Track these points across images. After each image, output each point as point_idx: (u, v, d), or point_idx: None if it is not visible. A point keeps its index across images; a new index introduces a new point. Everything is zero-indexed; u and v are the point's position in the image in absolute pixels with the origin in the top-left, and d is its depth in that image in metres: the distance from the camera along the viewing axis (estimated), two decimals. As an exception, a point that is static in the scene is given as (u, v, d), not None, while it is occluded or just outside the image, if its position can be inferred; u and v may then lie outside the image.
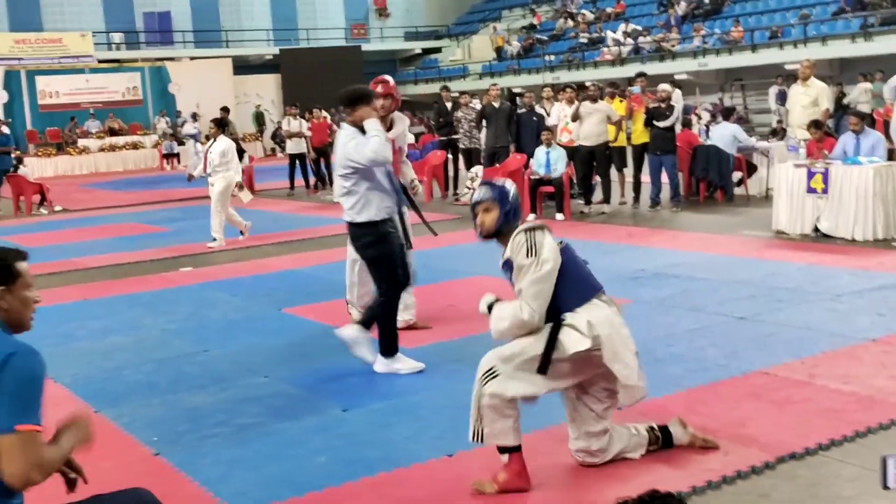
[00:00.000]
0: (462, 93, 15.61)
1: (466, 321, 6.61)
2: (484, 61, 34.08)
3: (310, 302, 8.07)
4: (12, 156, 17.89)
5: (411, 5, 40.42)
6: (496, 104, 14.08)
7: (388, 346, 5.81)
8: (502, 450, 3.94)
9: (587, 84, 13.85)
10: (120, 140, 29.34)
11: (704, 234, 10.38)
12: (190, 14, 35.76)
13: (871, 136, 10.19)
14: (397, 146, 6.61)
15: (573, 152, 12.54)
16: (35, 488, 2.70)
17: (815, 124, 10.90)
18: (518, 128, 13.79)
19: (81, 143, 28.81)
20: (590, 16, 32.54)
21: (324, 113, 18.75)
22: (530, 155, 12.81)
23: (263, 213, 15.23)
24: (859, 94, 20.26)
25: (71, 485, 2.72)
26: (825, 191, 9.62)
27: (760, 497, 3.78)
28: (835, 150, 10.27)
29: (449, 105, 15.82)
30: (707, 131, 15.61)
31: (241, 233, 11.91)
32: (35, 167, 24.15)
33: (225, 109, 19.37)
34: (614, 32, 29.29)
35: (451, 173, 15.83)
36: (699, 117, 19.71)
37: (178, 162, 27.18)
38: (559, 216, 12.03)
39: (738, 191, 13.14)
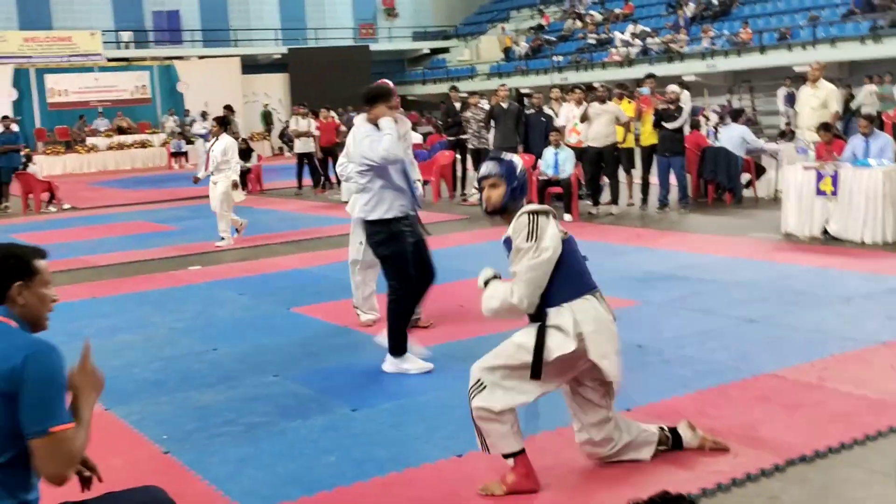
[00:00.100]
0: (472, 93, 15.61)
1: (475, 321, 6.58)
2: (492, 62, 34.08)
3: (318, 301, 8.08)
4: (21, 154, 17.94)
5: (419, 5, 40.44)
6: (504, 105, 14.08)
7: (397, 346, 5.81)
8: (506, 454, 3.92)
9: (596, 85, 13.84)
10: (128, 138, 29.42)
11: (713, 236, 10.36)
12: (199, 13, 35.87)
13: (881, 138, 10.17)
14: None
15: (581, 153, 12.53)
16: (50, 487, 2.71)
17: (824, 126, 10.88)
18: (526, 128, 13.80)
19: (90, 141, 28.90)
20: (598, 17, 32.52)
21: (332, 113, 18.77)
22: (538, 156, 12.81)
23: (271, 212, 15.27)
24: (865, 97, 20.21)
25: (85, 483, 2.73)
26: (834, 193, 9.60)
27: (770, 500, 3.77)
28: (844, 153, 10.25)
29: (457, 105, 15.83)
30: (715, 133, 15.58)
31: (237, 230, 11.84)
32: (44, 165, 24.15)
33: (228, 108, 19.39)
34: (622, 33, 29.26)
35: (458, 173, 15.83)
36: (707, 119, 19.69)
37: (187, 160, 27.24)
38: (567, 217, 12.02)
39: (746, 193, 13.12)
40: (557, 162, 12.24)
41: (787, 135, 15.62)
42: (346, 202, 8.06)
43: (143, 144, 29.38)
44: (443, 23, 40.60)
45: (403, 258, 5.79)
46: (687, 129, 12.92)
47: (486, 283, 3.97)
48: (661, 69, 24.30)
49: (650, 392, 5.08)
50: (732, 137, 12.95)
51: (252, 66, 33.62)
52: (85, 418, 2.63)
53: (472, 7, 41.55)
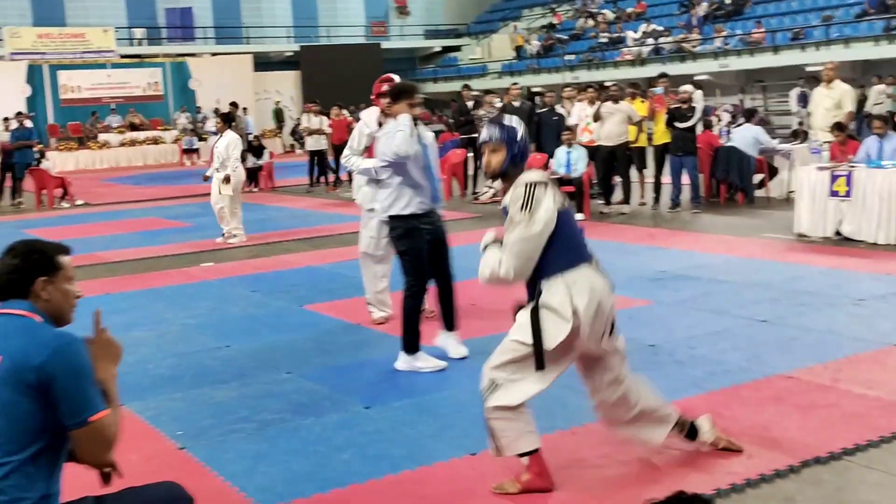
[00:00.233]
0: (486, 91, 15.61)
1: (488, 319, 6.61)
2: (503, 60, 34.06)
3: (330, 299, 8.10)
4: (35, 150, 18.03)
5: (431, 3, 40.44)
6: (516, 103, 14.09)
7: (410, 343, 5.82)
8: (522, 454, 3.92)
9: (609, 84, 13.83)
10: (140, 135, 29.52)
11: (725, 236, 10.34)
12: (211, 10, 35.96)
13: (895, 139, 10.13)
14: None
15: (594, 152, 12.53)
16: (71, 481, 2.75)
17: (838, 127, 10.85)
18: (539, 127, 13.80)
19: (102, 137, 29.01)
20: (610, 15, 32.46)
21: (344, 111, 18.80)
22: (551, 154, 12.81)
23: (283, 209, 15.31)
24: (876, 97, 20.12)
25: (106, 478, 2.75)
26: (848, 194, 9.57)
27: (785, 501, 3.77)
28: (858, 154, 10.22)
29: (470, 104, 15.83)
30: (728, 133, 15.55)
31: (223, 236, 11.63)
32: (57, 161, 24.33)
33: (234, 105, 19.44)
34: (635, 32, 29.20)
35: (470, 172, 15.83)
36: (719, 118, 19.64)
37: (199, 157, 27.32)
38: (579, 216, 12.01)
39: (758, 193, 13.09)
40: (570, 161, 12.23)
41: (800, 135, 15.56)
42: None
43: (156, 141, 29.48)
44: (454, 21, 40.59)
45: (419, 255, 5.81)
46: (699, 129, 12.90)
47: (486, 249, 3.96)
48: (674, 68, 24.26)
49: (662, 392, 5.04)
50: (745, 137, 12.92)
51: (264, 63, 33.70)
52: (113, 397, 2.71)
53: (483, 5, 41.53)
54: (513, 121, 4.11)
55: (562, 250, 3.83)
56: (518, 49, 34.34)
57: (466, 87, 16.87)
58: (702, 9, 28.80)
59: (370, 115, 6.95)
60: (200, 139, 28.17)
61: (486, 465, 4.21)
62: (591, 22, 33.19)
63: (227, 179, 11.29)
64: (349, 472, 4.24)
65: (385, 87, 6.52)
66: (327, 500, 3.99)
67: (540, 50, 32.77)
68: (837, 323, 6.49)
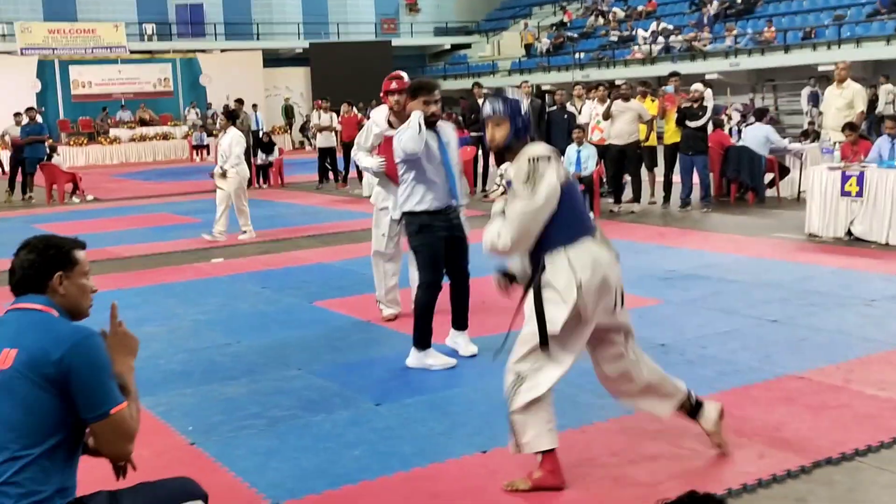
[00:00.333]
0: (498, 90, 15.60)
1: (498, 317, 6.58)
2: (513, 58, 34.03)
3: (340, 296, 8.11)
4: (45, 145, 18.09)
5: (442, 1, 40.44)
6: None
7: (421, 339, 5.81)
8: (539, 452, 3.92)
9: (619, 83, 13.81)
10: (150, 131, 29.63)
11: (735, 236, 10.32)
12: (221, 6, 36.03)
13: (908, 139, 10.10)
14: None
15: (604, 151, 12.52)
16: (85, 475, 2.76)
17: (849, 126, 10.82)
18: (549, 126, 13.78)
19: (113, 133, 29.12)
20: (621, 14, 32.41)
21: (354, 108, 18.82)
22: (561, 152, 12.78)
23: (293, 205, 15.33)
24: (885, 96, 20.03)
25: (120, 472, 2.77)
26: (859, 194, 9.54)
27: (796, 501, 3.77)
28: (870, 154, 10.19)
29: (480, 101, 15.80)
30: (739, 132, 15.51)
31: (216, 236, 11.51)
32: (67, 156, 24.43)
33: (239, 101, 19.46)
34: (645, 31, 29.14)
35: (480, 170, 15.83)
36: (729, 118, 19.59)
37: (208, 153, 27.38)
38: (589, 215, 11.99)
39: (769, 193, 13.06)
40: (580, 159, 12.22)
41: (810, 135, 15.52)
42: (369, 196, 8.10)
43: (165, 137, 29.58)
44: (464, 18, 40.58)
45: (432, 251, 5.80)
46: (710, 128, 12.88)
47: (493, 218, 3.97)
48: (684, 67, 24.16)
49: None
50: (756, 137, 12.89)
51: (274, 59, 33.77)
52: (132, 389, 2.73)
53: (494, 3, 41.52)
54: (515, 93, 4.11)
55: (565, 224, 3.83)
56: (528, 47, 34.30)
57: (477, 84, 16.85)
58: (713, 7, 28.72)
59: (380, 113, 6.95)
60: (210, 135, 28.23)
61: (497, 462, 4.22)
62: (601, 20, 33.14)
63: (223, 174, 11.34)
64: (360, 468, 4.25)
65: (394, 85, 6.52)
66: (338, 496, 3.99)
67: (550, 48, 32.74)
68: (848, 323, 6.47)
